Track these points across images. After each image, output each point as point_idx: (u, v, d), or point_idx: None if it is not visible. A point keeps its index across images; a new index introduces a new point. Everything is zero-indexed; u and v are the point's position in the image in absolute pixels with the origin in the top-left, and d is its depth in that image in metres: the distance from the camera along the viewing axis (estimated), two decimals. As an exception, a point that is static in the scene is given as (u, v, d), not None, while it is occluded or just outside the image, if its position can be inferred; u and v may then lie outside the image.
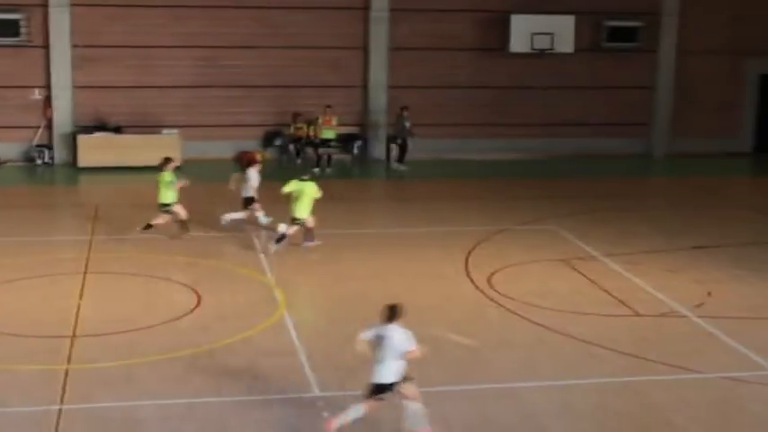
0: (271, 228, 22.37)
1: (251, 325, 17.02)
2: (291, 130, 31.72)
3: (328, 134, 30.84)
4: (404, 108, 31.17)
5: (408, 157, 31.57)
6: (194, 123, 31.51)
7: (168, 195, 22.22)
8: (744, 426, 14.07)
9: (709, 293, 19.41)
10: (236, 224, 22.90)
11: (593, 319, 17.92)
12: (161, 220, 22.29)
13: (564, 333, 17.08)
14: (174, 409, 13.82)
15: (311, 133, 31.15)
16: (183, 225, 22.42)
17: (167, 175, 22.21)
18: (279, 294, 18.72)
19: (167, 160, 22.46)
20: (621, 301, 18.81)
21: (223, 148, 30.59)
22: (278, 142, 32.17)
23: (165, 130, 30.81)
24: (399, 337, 12.64)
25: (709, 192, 26.93)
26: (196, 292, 18.63)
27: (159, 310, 17.70)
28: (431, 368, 15.39)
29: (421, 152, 31.88)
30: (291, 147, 31.86)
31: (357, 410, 12.88)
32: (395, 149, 31.67)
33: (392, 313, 12.72)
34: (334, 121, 30.82)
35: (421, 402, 13.05)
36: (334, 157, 31.17)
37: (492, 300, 18.77)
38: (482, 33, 32.53)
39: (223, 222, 22.78)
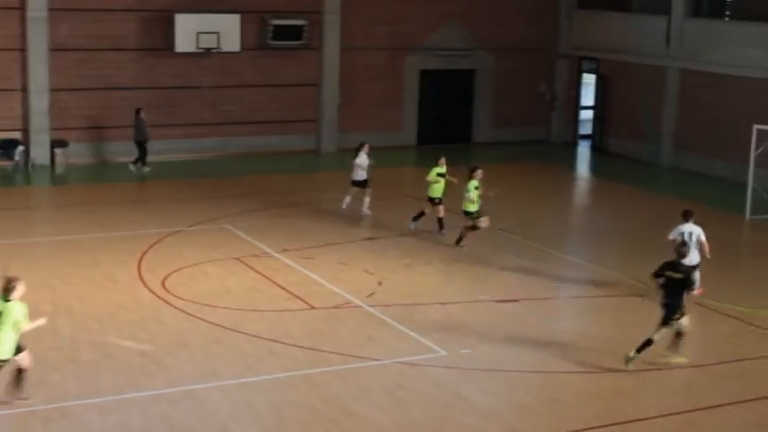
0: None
1: None
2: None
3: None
4: (139, 110, 30.13)
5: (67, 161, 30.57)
6: None
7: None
8: (420, 407, 14.55)
9: (380, 283, 19.96)
10: None
11: (269, 316, 17.99)
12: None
13: (241, 331, 17.03)
14: None
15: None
16: None
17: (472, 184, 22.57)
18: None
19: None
20: (297, 296, 18.99)
21: None
22: None
23: None
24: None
25: (377, 184, 27.42)
26: None
27: None
28: (103, 376, 14.93)
29: (82, 157, 30.90)
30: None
31: None
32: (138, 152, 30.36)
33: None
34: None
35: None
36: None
37: (167, 302, 18.43)
38: (146, 33, 31.85)
39: None
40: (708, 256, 19.26)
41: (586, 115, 38.33)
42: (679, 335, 16.25)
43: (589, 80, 37.89)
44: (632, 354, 16.00)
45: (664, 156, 33.78)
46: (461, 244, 22.80)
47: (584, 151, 36.89)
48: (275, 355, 16.11)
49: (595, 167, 34.93)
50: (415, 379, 15.54)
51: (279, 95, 33.77)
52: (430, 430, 13.98)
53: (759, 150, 26.44)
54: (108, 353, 15.89)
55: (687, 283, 16.15)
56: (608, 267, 21.76)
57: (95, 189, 28.76)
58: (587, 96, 38.25)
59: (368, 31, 34.67)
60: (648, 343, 16.05)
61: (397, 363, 16.03)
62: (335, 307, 18.51)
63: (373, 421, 13.99)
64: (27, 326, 13.74)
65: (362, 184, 25.50)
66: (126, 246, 21.94)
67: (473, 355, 16.45)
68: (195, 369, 15.45)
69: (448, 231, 23.35)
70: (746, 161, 26.97)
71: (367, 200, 25.46)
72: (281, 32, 33.16)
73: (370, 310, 18.40)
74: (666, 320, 16.03)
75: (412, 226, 24.01)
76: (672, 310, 15.98)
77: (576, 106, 38.20)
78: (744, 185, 26.84)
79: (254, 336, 16.84)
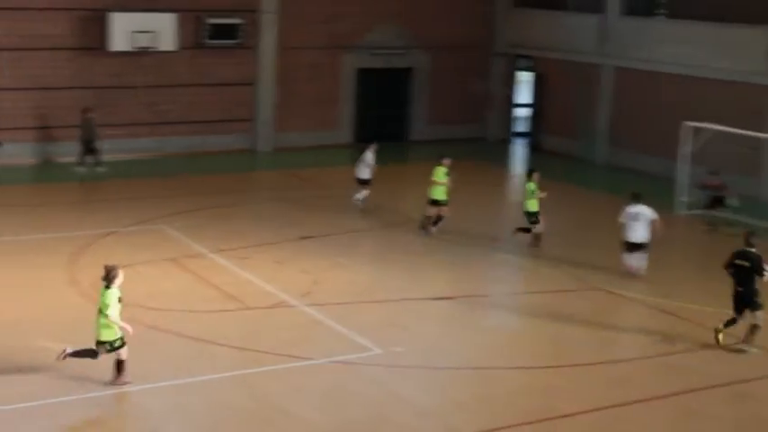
0: None
1: None
2: None
3: None
4: (87, 110, 29.78)
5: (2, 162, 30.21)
6: None
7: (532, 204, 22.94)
8: (355, 406, 14.63)
9: (315, 282, 19.99)
10: None
11: (204, 316, 17.94)
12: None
13: (175, 332, 16.97)
14: None
15: None
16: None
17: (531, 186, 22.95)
18: None
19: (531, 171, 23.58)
20: (232, 296, 18.96)
21: None
22: None
23: None
24: None
25: (314, 183, 27.64)
26: None
27: None
28: (33, 384, 14.77)
29: (18, 157, 30.54)
30: None
31: None
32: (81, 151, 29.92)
33: None
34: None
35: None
36: None
37: (101, 305, 18.29)
38: (82, 32, 31.53)
39: None
40: (660, 234, 20.32)
41: (522, 113, 38.65)
42: (755, 327, 16.89)
43: (525, 78, 38.20)
44: (721, 326, 17.09)
45: (598, 153, 34.16)
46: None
47: (520, 149, 37.18)
48: (210, 356, 16.09)
49: (530, 165, 35.15)
50: (350, 378, 15.61)
51: (215, 95, 33.63)
52: (366, 429, 14.06)
53: (692, 148, 26.80)
54: (35, 357, 15.72)
55: (756, 270, 16.87)
56: (543, 263, 21.98)
57: (31, 190, 28.46)
58: (523, 94, 38.56)
59: (305, 29, 34.63)
60: (733, 321, 17.03)
61: (332, 362, 16.08)
62: (271, 307, 18.51)
63: (309, 421, 14.03)
64: (115, 318, 14.53)
65: (366, 183, 26.13)
66: (60, 247, 21.70)
67: (408, 354, 16.55)
68: (128, 371, 15.35)
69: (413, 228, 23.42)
70: (680, 158, 27.36)
71: (365, 192, 26.01)
72: (217, 31, 33.04)
73: (306, 309, 18.43)
74: (748, 305, 16.85)
75: (433, 230, 23.91)
76: (747, 296, 16.83)
77: (512, 104, 38.48)
78: (675, 181, 27.21)
79: (189, 337, 16.79)
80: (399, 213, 25.95)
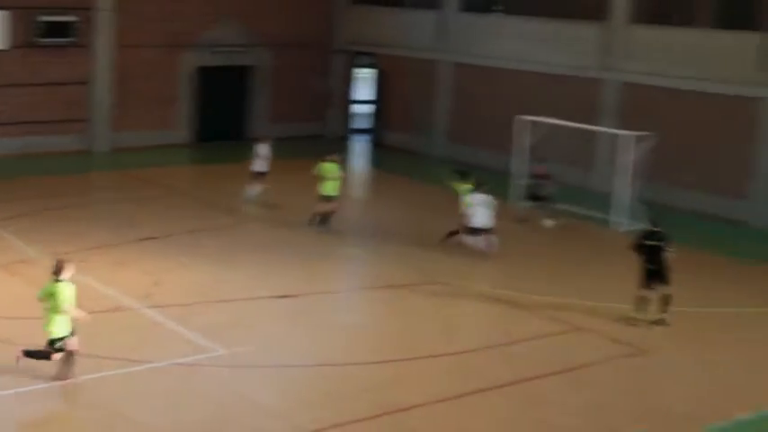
0: None
1: None
2: None
3: None
4: None
5: None
6: None
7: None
8: (200, 409, 14.40)
9: (156, 283, 19.65)
10: None
11: (38, 323, 17.35)
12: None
13: (8, 341, 16.33)
14: None
15: None
16: None
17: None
18: None
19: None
20: (71, 301, 18.43)
21: None
22: None
23: None
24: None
25: (153, 184, 27.16)
26: None
27: None
28: None
29: None
30: None
31: None
32: None
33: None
34: None
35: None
36: None
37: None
38: None
39: None
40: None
41: (364, 110, 38.84)
42: (668, 297, 18.23)
43: (366, 75, 38.40)
44: (648, 317, 18.29)
45: (438, 148, 34.60)
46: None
47: (361, 145, 37.38)
48: (46, 364, 15.60)
49: (372, 160, 35.45)
50: (194, 380, 15.39)
51: (49, 94, 32.73)
52: (211, 431, 13.87)
53: (529, 143, 27.38)
54: None
55: (666, 248, 18.29)
56: (386, 259, 22.13)
57: None
58: (365, 91, 38.76)
59: (143, 27, 34.01)
60: (644, 301, 18.32)
61: (175, 365, 15.81)
62: (111, 310, 18.06)
63: (151, 426, 13.76)
64: (71, 310, 14.77)
65: (262, 176, 26.35)
66: None
67: (253, 353, 16.42)
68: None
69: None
70: (515, 151, 27.92)
71: (258, 187, 26.23)
72: (50, 29, 32.16)
73: (147, 311, 18.08)
74: (663, 279, 18.20)
75: (323, 227, 24.21)
76: (662, 273, 18.15)
77: (352, 101, 38.64)
78: (511, 175, 27.77)
79: (22, 345, 16.23)
80: (241, 212, 25.77)
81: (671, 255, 18.34)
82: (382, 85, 36.95)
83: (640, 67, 28.54)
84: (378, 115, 37.29)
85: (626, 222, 25.09)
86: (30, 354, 14.89)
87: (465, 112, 33.77)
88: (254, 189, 26.39)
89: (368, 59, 37.63)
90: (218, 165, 32.01)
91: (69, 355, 14.87)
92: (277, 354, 16.55)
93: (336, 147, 35.83)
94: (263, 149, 26.60)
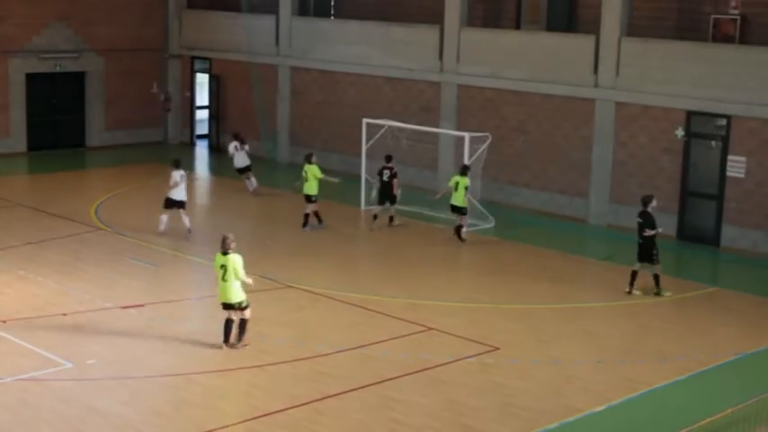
0: None
1: None
2: None
3: None
4: None
5: None
6: None
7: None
8: (48, 424, 13.93)
9: (-4, 298, 19.00)
10: None
11: None
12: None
13: None
14: None
15: None
16: None
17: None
18: None
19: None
20: None
21: None
22: None
23: None
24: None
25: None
26: None
27: None
28: None
29: None
30: None
31: None
32: None
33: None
34: None
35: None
36: None
37: None
38: None
39: None
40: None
41: (203, 115, 38.35)
42: (657, 276, 20.52)
43: (204, 80, 37.92)
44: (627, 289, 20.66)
45: (281, 152, 34.47)
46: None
47: (201, 151, 36.92)
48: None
49: (212, 167, 35.06)
50: (40, 395, 14.88)
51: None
52: (62, 447, 13.46)
53: (370, 143, 27.57)
54: None
55: (648, 226, 20.61)
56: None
57: None
58: (203, 96, 38.27)
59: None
60: (635, 274, 20.69)
61: (18, 380, 15.28)
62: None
63: (-3, 444, 13.28)
64: (245, 277, 16.81)
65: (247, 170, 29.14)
66: None
67: (100, 365, 16.01)
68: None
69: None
70: (359, 154, 28.05)
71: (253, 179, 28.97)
72: None
73: (-13, 327, 17.43)
74: (647, 257, 20.61)
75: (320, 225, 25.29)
76: (646, 249, 20.61)
77: (192, 107, 38.13)
78: (357, 177, 27.87)
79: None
80: (84, 221, 25.10)
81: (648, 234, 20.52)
82: (219, 90, 36.54)
83: (474, 69, 29.01)
84: (215, 120, 36.85)
85: (470, 222, 25.49)
86: (242, 332, 16.96)
87: (306, 116, 33.71)
88: (252, 181, 29.03)
89: (203, 64, 37.17)
90: (53, 174, 31.10)
91: (244, 323, 16.97)
92: (125, 365, 16.15)
93: (175, 153, 35.47)
94: (231, 147, 29.20)
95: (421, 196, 27.27)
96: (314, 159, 25.35)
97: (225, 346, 16.89)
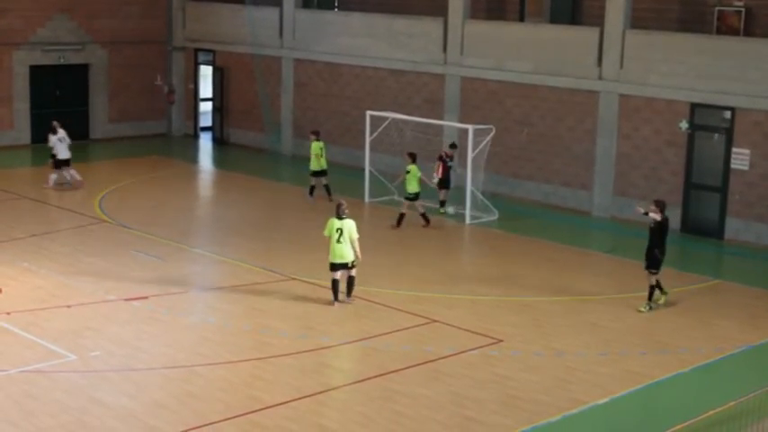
0: None
1: None
2: None
3: None
4: None
5: None
6: None
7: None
8: (52, 415, 13.97)
9: (0, 290, 18.99)
10: None
11: None
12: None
13: None
14: None
15: None
16: None
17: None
18: None
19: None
20: None
21: None
22: None
23: None
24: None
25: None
26: None
27: None
28: None
29: None
30: None
31: None
32: None
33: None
34: None
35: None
36: None
37: None
38: None
39: None
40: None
41: (207, 107, 38.36)
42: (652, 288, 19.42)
43: (208, 72, 37.91)
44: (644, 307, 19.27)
45: (284, 144, 34.47)
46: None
47: (205, 143, 36.93)
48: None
49: (217, 159, 35.06)
50: (45, 387, 14.92)
51: None
52: (67, 437, 13.50)
53: (373, 136, 27.58)
54: None
55: (658, 230, 19.25)
56: (236, 258, 21.91)
57: None
58: (206, 89, 38.26)
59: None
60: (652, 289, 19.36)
61: (24, 372, 15.32)
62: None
63: (3, 436, 13.32)
64: (356, 240, 18.60)
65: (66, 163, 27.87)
66: None
67: (104, 357, 16.04)
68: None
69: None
70: (362, 146, 28.04)
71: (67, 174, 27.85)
72: None
73: (-9, 319, 17.47)
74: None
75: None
76: (648, 254, 19.29)
77: (195, 99, 38.13)
78: (361, 170, 27.85)
79: None
80: (88, 213, 25.14)
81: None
82: (223, 82, 36.54)
83: (478, 62, 29.00)
84: (219, 113, 36.86)
85: (474, 214, 25.49)
86: (351, 287, 18.83)
87: (310, 108, 33.71)
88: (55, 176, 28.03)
89: (206, 56, 37.17)
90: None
91: (352, 279, 18.80)
92: (129, 357, 16.18)
93: (179, 145, 35.53)
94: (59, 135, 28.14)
95: (425, 189, 27.26)
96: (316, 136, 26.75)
97: (336, 303, 18.77)
